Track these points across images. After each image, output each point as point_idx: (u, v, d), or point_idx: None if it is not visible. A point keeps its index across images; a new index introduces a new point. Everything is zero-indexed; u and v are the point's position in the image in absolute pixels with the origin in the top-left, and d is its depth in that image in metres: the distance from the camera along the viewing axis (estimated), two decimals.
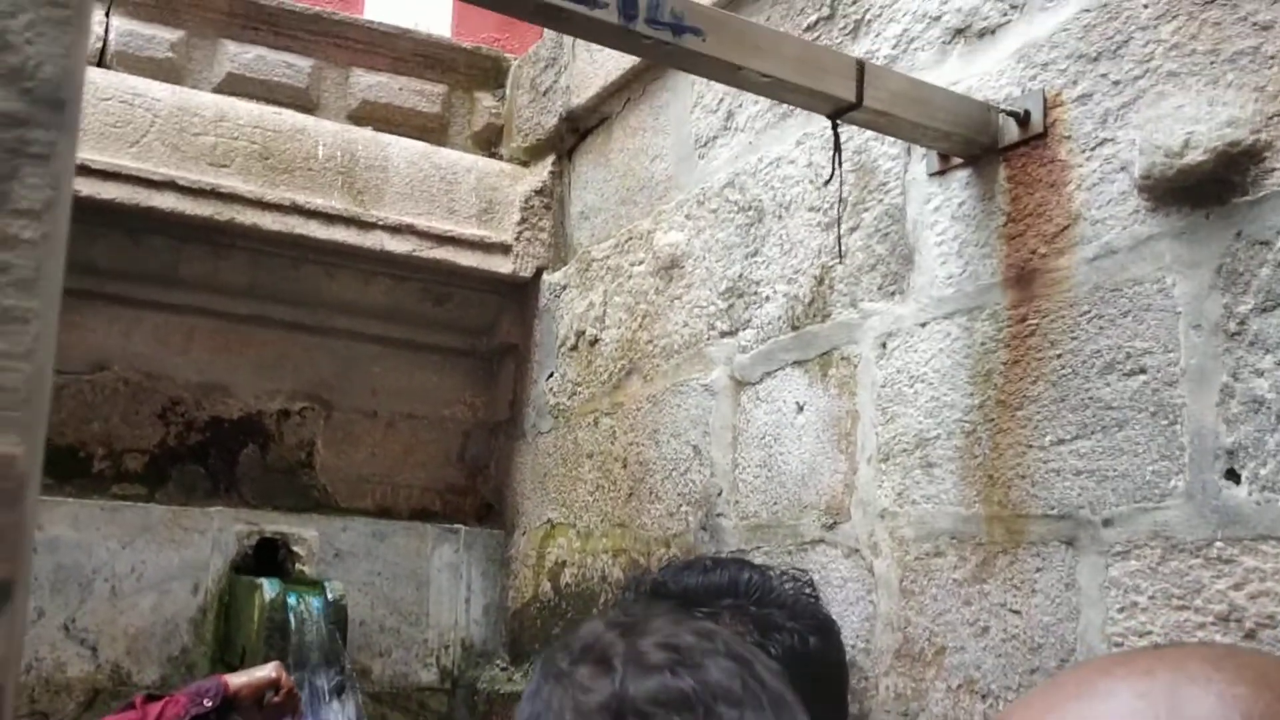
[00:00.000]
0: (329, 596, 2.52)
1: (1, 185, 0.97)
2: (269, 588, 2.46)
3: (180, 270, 2.75)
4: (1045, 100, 1.57)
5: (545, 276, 2.94)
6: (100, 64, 2.73)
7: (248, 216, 2.66)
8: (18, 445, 0.92)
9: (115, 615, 2.55)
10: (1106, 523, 1.41)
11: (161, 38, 2.81)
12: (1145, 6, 1.45)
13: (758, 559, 2.02)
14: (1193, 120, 1.35)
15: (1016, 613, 1.52)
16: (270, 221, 2.69)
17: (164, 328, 2.80)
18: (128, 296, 2.74)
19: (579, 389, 2.72)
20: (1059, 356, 1.51)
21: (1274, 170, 1.28)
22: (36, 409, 0.92)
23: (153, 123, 2.63)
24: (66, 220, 0.95)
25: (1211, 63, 1.35)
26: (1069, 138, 1.53)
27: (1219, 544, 1.30)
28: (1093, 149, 1.49)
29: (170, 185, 2.59)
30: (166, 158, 2.61)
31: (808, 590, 1.62)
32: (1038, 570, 1.50)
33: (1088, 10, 1.53)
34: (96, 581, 2.54)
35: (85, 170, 2.46)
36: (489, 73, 3.16)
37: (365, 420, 3.01)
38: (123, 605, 2.56)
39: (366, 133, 2.90)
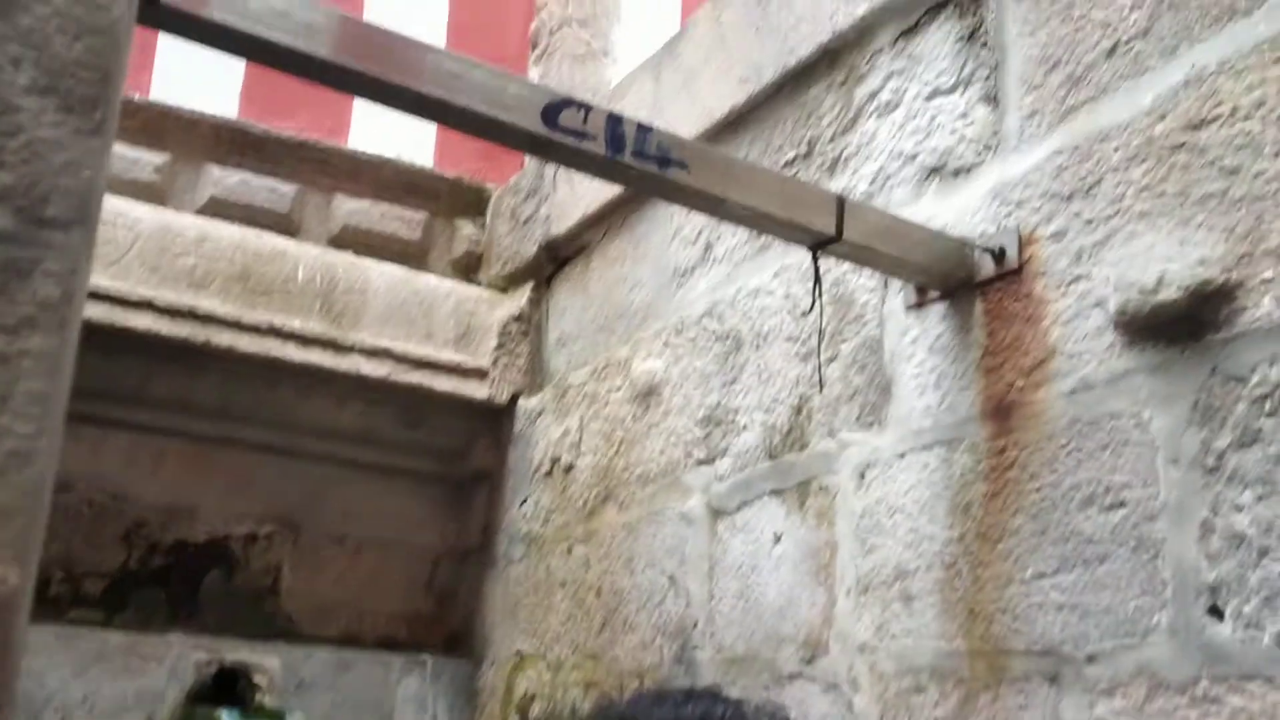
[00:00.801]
0: None
1: None
2: (227, 719, 2.37)
3: (152, 390, 2.72)
4: (1020, 237, 1.60)
5: (521, 402, 2.94)
6: None
7: (224, 338, 2.66)
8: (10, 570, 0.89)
9: None
10: (1090, 659, 1.40)
11: (147, 160, 2.84)
12: (1116, 150, 1.50)
13: (734, 693, 1.97)
14: (1165, 259, 1.38)
15: None
16: (247, 343, 2.68)
17: (133, 448, 2.76)
18: (97, 416, 2.71)
19: (553, 516, 2.70)
20: (1038, 489, 1.51)
21: (1245, 308, 1.31)
22: (25, 533, 0.90)
23: (134, 243, 2.64)
24: (62, 338, 0.94)
25: (1181, 204, 1.40)
26: (1044, 274, 1.56)
27: (1204, 682, 1.28)
28: (1068, 285, 1.53)
29: (148, 305, 2.59)
30: (145, 278, 2.61)
31: None
32: (1021, 708, 1.47)
33: (1060, 152, 1.58)
34: (46, 712, 2.44)
35: None
36: (470, 201, 3.21)
37: (333, 545, 2.96)
38: None
39: (347, 257, 2.92)
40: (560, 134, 1.33)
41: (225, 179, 2.92)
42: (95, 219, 1.02)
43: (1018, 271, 1.60)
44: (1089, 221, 1.51)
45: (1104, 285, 1.47)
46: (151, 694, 2.54)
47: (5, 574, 0.90)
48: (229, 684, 2.62)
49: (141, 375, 2.69)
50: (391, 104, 1.33)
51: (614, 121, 1.37)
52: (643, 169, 1.39)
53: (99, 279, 2.55)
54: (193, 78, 3.03)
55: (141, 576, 2.73)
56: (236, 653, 2.65)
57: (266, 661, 2.66)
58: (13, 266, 0.95)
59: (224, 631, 2.73)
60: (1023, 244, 1.60)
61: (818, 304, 1.73)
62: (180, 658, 2.59)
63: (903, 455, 1.74)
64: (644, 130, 1.39)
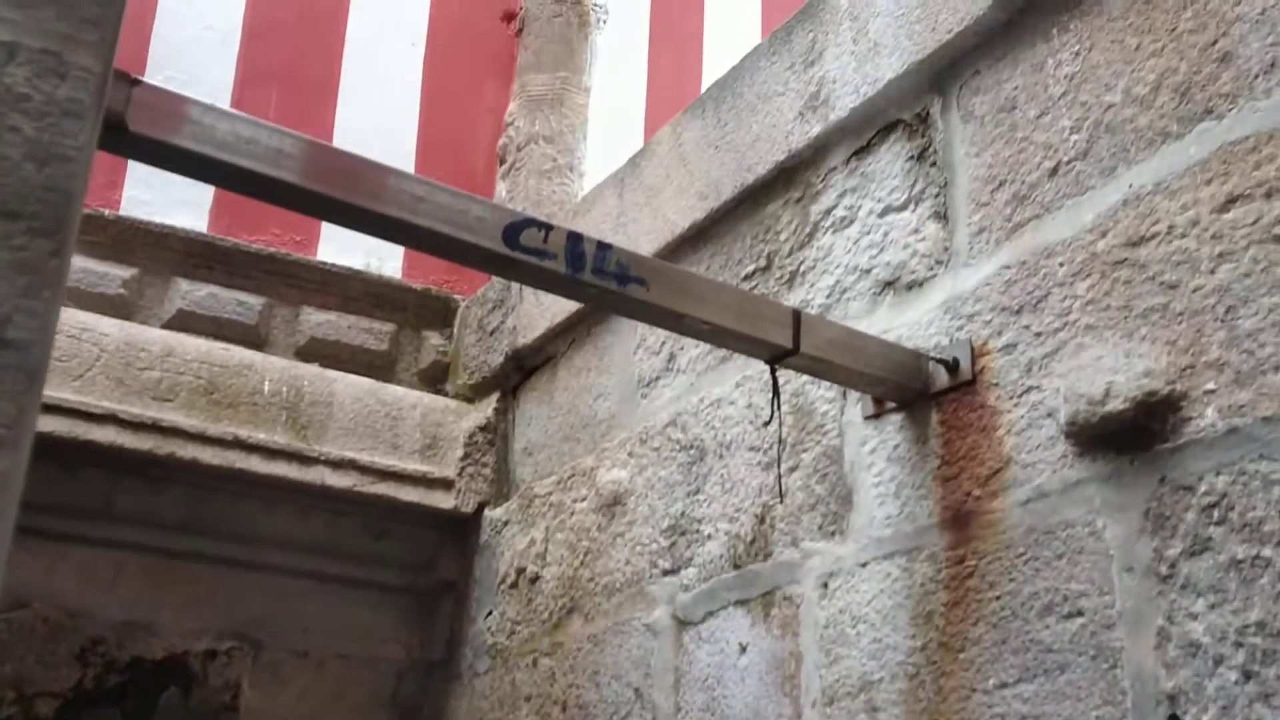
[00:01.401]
0: None
1: None
2: None
3: (114, 504, 2.70)
4: (972, 349, 1.64)
5: (487, 512, 2.93)
6: None
7: (188, 450, 2.65)
8: None
9: None
10: None
11: (114, 275, 2.86)
12: (1061, 265, 1.55)
13: None
14: (1111, 370, 1.42)
15: None
16: (211, 456, 2.67)
17: (91, 563, 2.72)
18: (56, 531, 2.67)
19: (518, 628, 2.67)
20: (998, 598, 1.52)
21: (1190, 418, 1.35)
22: None
23: (99, 357, 2.64)
24: (15, 457, 0.95)
25: (1125, 317, 1.44)
26: (997, 385, 1.60)
27: None
28: (1020, 395, 1.56)
29: (111, 419, 2.58)
30: (110, 391, 2.61)
31: None
32: None
33: (1008, 267, 1.63)
34: None
35: None
36: (437, 312, 3.24)
37: (295, 660, 2.90)
38: None
39: (313, 369, 2.93)
40: (521, 253, 1.36)
41: (193, 292, 2.94)
42: (52, 337, 1.04)
43: (971, 383, 1.64)
44: (1038, 334, 1.56)
45: (1054, 396, 1.51)
46: None
47: None
48: None
49: (104, 489, 2.67)
50: (357, 226, 1.36)
51: (574, 240, 1.41)
52: (603, 286, 1.43)
53: (63, 393, 2.55)
54: (162, 193, 3.07)
55: (96, 695, 2.67)
56: None
57: None
58: None
59: None
60: (975, 355, 1.64)
61: (777, 415, 1.76)
62: None
63: (865, 564, 1.75)
64: (604, 248, 1.43)
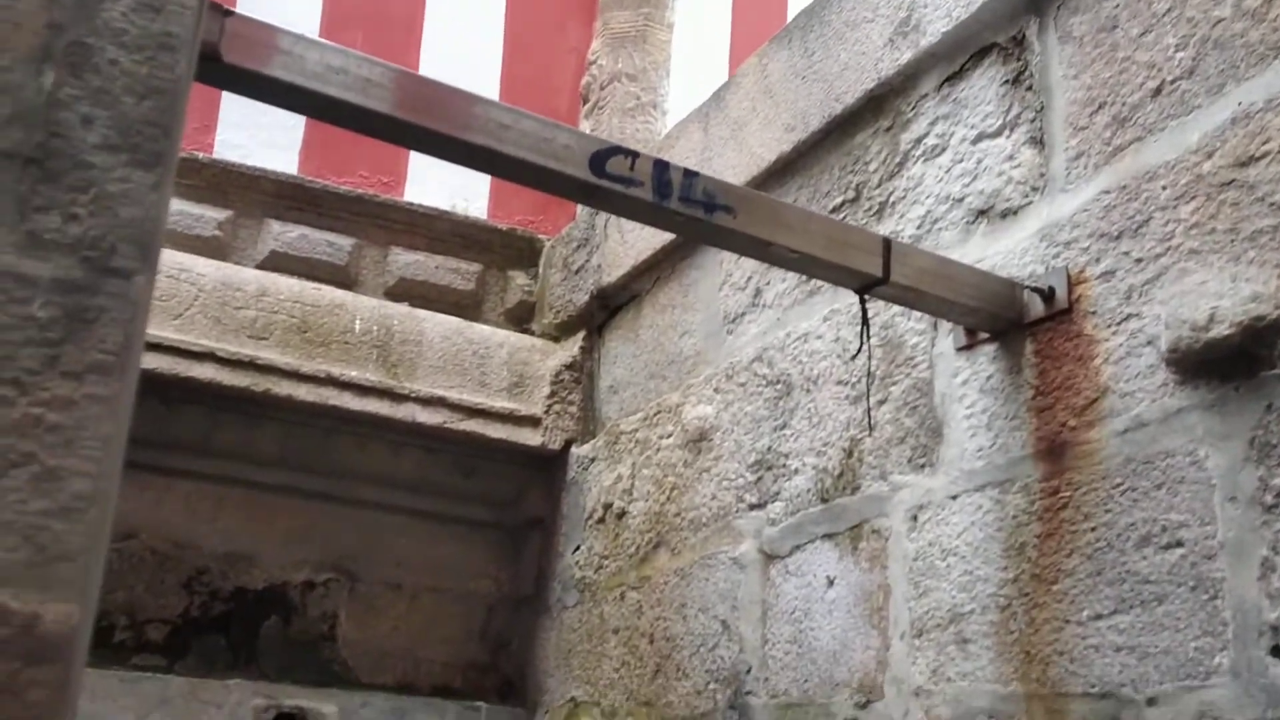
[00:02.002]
0: None
1: (55, 349, 1.01)
2: None
3: (214, 439, 2.78)
4: (1069, 277, 1.60)
5: (574, 449, 2.96)
6: None
7: (283, 387, 2.71)
8: (68, 607, 0.92)
9: None
10: (1150, 702, 1.37)
11: (209, 217, 2.93)
12: (1164, 188, 1.49)
13: None
14: (1216, 295, 1.37)
15: None
16: (305, 393, 2.74)
17: (194, 496, 2.82)
18: (160, 465, 2.77)
19: (605, 562, 2.70)
20: (1093, 530, 1.49)
21: None
22: (84, 570, 0.93)
23: (197, 296, 2.71)
24: (124, 382, 0.98)
25: (1232, 240, 1.39)
26: (1094, 313, 1.56)
27: None
28: (1118, 324, 1.52)
29: (210, 356, 2.65)
30: (208, 330, 2.68)
31: None
32: None
33: (1107, 192, 1.58)
34: None
35: None
36: (523, 252, 3.26)
37: (389, 593, 2.98)
38: None
39: (403, 308, 2.98)
40: (608, 181, 1.36)
41: (285, 233, 3.00)
42: (155, 269, 1.06)
43: (1067, 311, 1.60)
44: (1138, 260, 1.51)
45: (1155, 323, 1.46)
46: None
47: (69, 612, 0.94)
48: None
49: (204, 425, 2.75)
50: (444, 155, 1.37)
51: (660, 168, 1.40)
52: (689, 214, 1.42)
53: (164, 331, 2.63)
54: (254, 136, 3.13)
55: (203, 623, 2.78)
56: (294, 699, 2.68)
57: (323, 708, 2.68)
58: (80, 315, 0.99)
59: (282, 678, 2.76)
60: (1072, 284, 1.60)
61: (866, 346, 1.74)
62: (240, 704, 2.62)
63: (955, 497, 1.73)
64: (690, 176, 1.41)
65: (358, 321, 2.87)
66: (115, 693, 2.52)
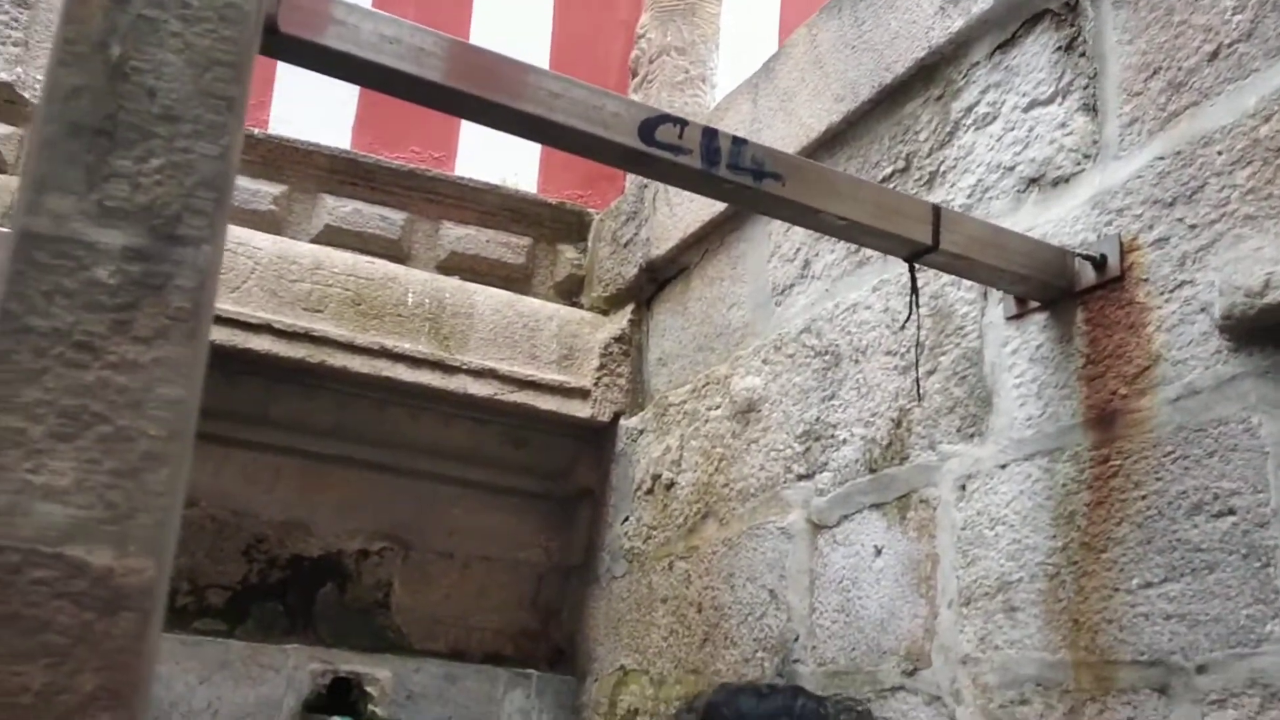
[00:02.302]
0: None
1: (125, 314, 1.05)
2: None
3: (271, 410, 2.84)
4: (1121, 244, 1.59)
5: (622, 421, 2.98)
6: None
7: (338, 359, 2.76)
8: (140, 561, 0.96)
9: None
10: (1200, 669, 1.37)
11: (265, 192, 2.98)
12: (1219, 154, 1.48)
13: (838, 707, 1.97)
14: (1272, 261, 1.36)
15: None
16: (359, 364, 2.78)
17: (252, 466, 2.88)
18: (219, 435, 2.83)
19: (654, 533, 2.73)
20: (1144, 498, 1.49)
21: None
22: (155, 528, 0.96)
23: (254, 270, 2.76)
24: (192, 348, 1.01)
25: None
26: (1146, 280, 1.55)
27: None
28: (1171, 291, 1.51)
29: (267, 328, 2.70)
30: (265, 302, 2.73)
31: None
32: (1129, 719, 1.44)
33: (1161, 158, 1.56)
34: (173, 716, 2.55)
35: None
36: (572, 226, 3.28)
37: (441, 561, 3.04)
38: None
39: (454, 281, 3.01)
40: (656, 149, 1.37)
41: (339, 208, 3.04)
42: (222, 238, 1.09)
43: (1119, 279, 1.59)
44: (1192, 226, 1.50)
45: (1209, 290, 1.45)
46: (271, 702, 2.64)
47: (141, 566, 0.97)
48: (343, 694, 2.70)
49: (262, 396, 2.81)
50: (496, 124, 1.38)
51: (709, 135, 1.40)
52: (737, 181, 1.42)
53: (222, 303, 2.68)
54: (308, 112, 3.17)
55: (261, 589, 2.84)
56: (350, 664, 2.74)
57: (378, 673, 2.74)
58: (148, 281, 1.03)
59: (338, 643, 2.82)
60: (1124, 251, 1.58)
61: (915, 315, 1.74)
62: (297, 667, 2.68)
63: (1004, 466, 1.73)
64: (739, 143, 1.42)
65: (410, 295, 2.91)
66: (178, 655, 2.59)
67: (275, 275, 2.78)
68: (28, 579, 0.90)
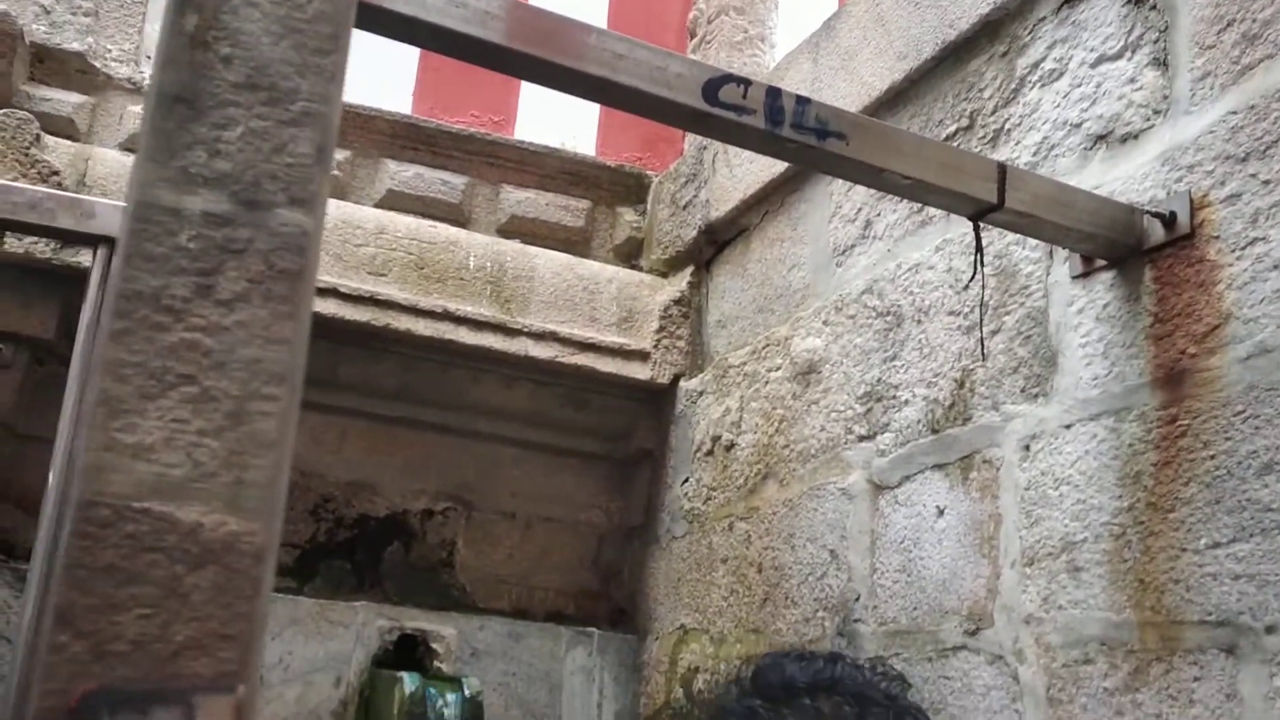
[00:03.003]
0: (466, 693, 2.55)
1: (208, 279, 1.08)
2: (409, 682, 2.51)
3: (338, 373, 2.89)
4: (1192, 201, 1.57)
5: (682, 383, 3.00)
6: None
7: (402, 322, 2.80)
8: (226, 517, 0.99)
9: (262, 705, 2.63)
10: (1270, 630, 1.36)
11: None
12: None
13: (897, 665, 1.98)
14: None
15: None
16: (422, 327, 2.82)
17: (320, 428, 2.94)
18: None
19: (714, 494, 2.74)
20: (1212, 457, 1.47)
21: None
22: (261, 491, 1.00)
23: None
24: (270, 310, 1.04)
25: None
26: (1217, 237, 1.52)
27: None
28: (1243, 248, 1.48)
29: (333, 292, 2.75)
30: (330, 267, 2.78)
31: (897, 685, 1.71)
32: (1195, 679, 1.44)
33: (1234, 113, 1.53)
34: None
35: None
36: (631, 189, 3.28)
37: (504, 521, 3.08)
38: (269, 695, 2.64)
39: (514, 245, 3.04)
40: (720, 109, 1.37)
41: (400, 173, 3.07)
42: (319, 205, 1.11)
43: (1189, 236, 1.56)
44: (1266, 182, 1.47)
45: None
46: (340, 657, 2.71)
47: (227, 520, 1.01)
48: (409, 650, 2.76)
49: (329, 359, 2.86)
50: (559, 86, 1.39)
51: (773, 95, 1.40)
52: (801, 141, 1.42)
53: None
54: (369, 77, 3.20)
55: (329, 548, 2.91)
56: (415, 621, 2.80)
57: (443, 630, 2.80)
58: (228, 246, 1.06)
59: (404, 601, 2.89)
60: (1194, 208, 1.56)
61: (979, 274, 1.73)
62: (365, 624, 2.75)
63: (1069, 426, 1.72)
64: (802, 103, 1.42)
65: (471, 258, 2.94)
66: None
67: (340, 240, 2.82)
68: (120, 533, 0.93)
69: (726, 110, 1.38)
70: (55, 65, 2.80)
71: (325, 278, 2.75)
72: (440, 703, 2.49)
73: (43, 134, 2.62)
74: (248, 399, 1.05)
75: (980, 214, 1.57)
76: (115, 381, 0.98)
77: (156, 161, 1.01)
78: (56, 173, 2.58)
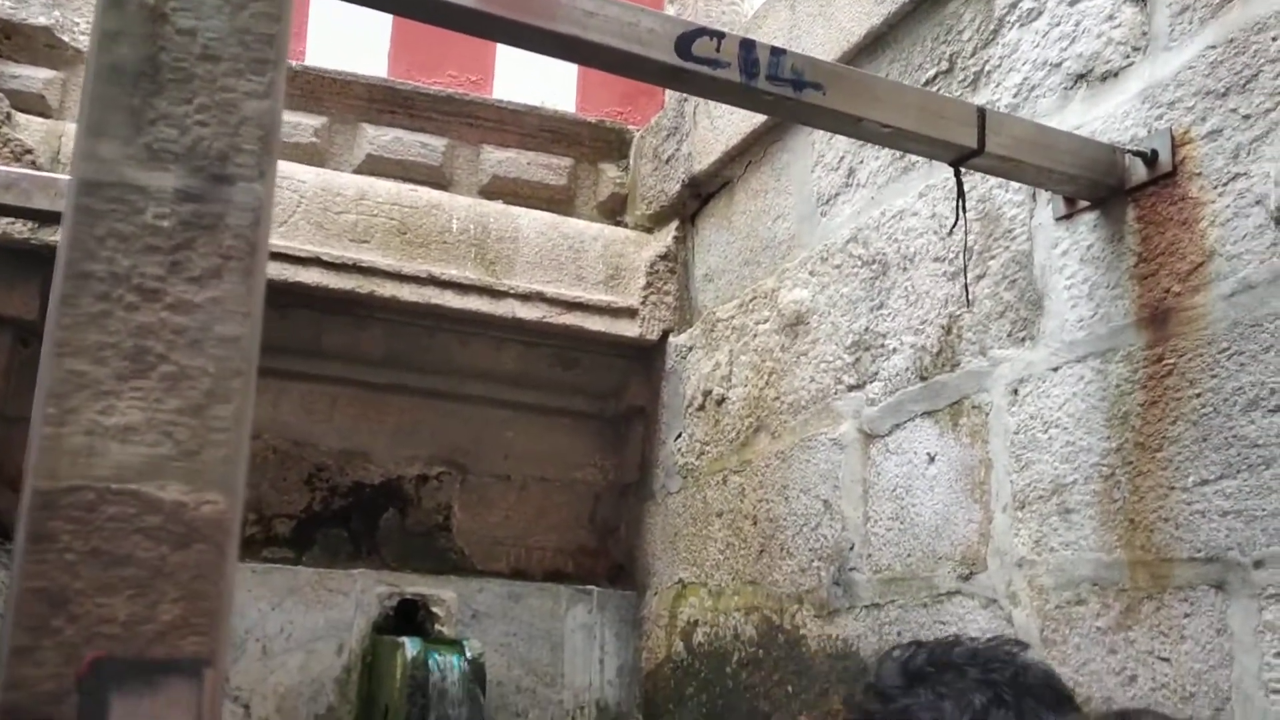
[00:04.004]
0: (467, 655, 2.57)
1: (178, 254, 1.06)
2: (410, 646, 2.53)
3: (323, 342, 2.88)
4: (1173, 139, 1.56)
5: (671, 339, 2.99)
6: None
7: (387, 289, 2.79)
8: (207, 495, 0.99)
9: (266, 674, 2.65)
10: (1258, 564, 1.37)
11: (306, 124, 2.98)
12: (1274, 39, 1.43)
13: (892, 612, 2.00)
14: None
15: (1165, 660, 1.47)
16: (408, 293, 2.81)
17: (309, 397, 2.93)
18: (275, 368, 2.88)
19: (707, 448, 2.75)
20: (1198, 395, 1.48)
21: None
22: (221, 463, 0.99)
23: (299, 203, 2.78)
24: (248, 285, 1.03)
25: None
26: (1199, 174, 1.52)
27: None
28: (1225, 184, 1.48)
29: (315, 261, 2.73)
30: (312, 235, 2.76)
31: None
32: (1186, 616, 1.45)
33: (1213, 47, 1.52)
34: (248, 641, 2.65)
35: None
36: (612, 144, 3.26)
37: (499, 484, 3.09)
38: (273, 665, 2.66)
39: (497, 206, 3.02)
40: (694, 63, 1.35)
41: (379, 137, 3.04)
42: (272, 173, 1.10)
43: (1171, 174, 1.55)
44: (1246, 117, 1.46)
45: (1264, 182, 1.42)
46: (341, 624, 2.73)
47: (213, 498, 1.00)
48: (410, 615, 2.78)
49: (314, 328, 2.85)
50: (531, 46, 1.37)
51: (747, 47, 1.39)
52: (778, 93, 1.41)
53: (272, 239, 2.70)
54: (344, 41, 3.16)
55: (325, 517, 2.92)
56: (415, 586, 2.81)
57: (443, 594, 2.81)
58: (198, 222, 1.04)
59: (402, 566, 2.90)
60: (1176, 145, 1.55)
61: (962, 220, 1.72)
62: (364, 591, 2.76)
63: (1056, 369, 1.72)
64: (777, 54, 1.40)
65: (454, 221, 2.92)
66: (249, 584, 2.67)
67: (321, 208, 2.80)
68: (104, 515, 0.93)
69: (700, 65, 1.36)
70: (23, 40, 2.76)
71: (307, 247, 2.74)
72: (442, 665, 2.51)
73: (14, 112, 2.59)
74: (225, 376, 1.04)
75: (961, 159, 1.56)
76: (94, 364, 0.97)
77: (118, 138, 1.00)
78: (30, 150, 2.55)
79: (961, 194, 1.66)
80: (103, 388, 0.95)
